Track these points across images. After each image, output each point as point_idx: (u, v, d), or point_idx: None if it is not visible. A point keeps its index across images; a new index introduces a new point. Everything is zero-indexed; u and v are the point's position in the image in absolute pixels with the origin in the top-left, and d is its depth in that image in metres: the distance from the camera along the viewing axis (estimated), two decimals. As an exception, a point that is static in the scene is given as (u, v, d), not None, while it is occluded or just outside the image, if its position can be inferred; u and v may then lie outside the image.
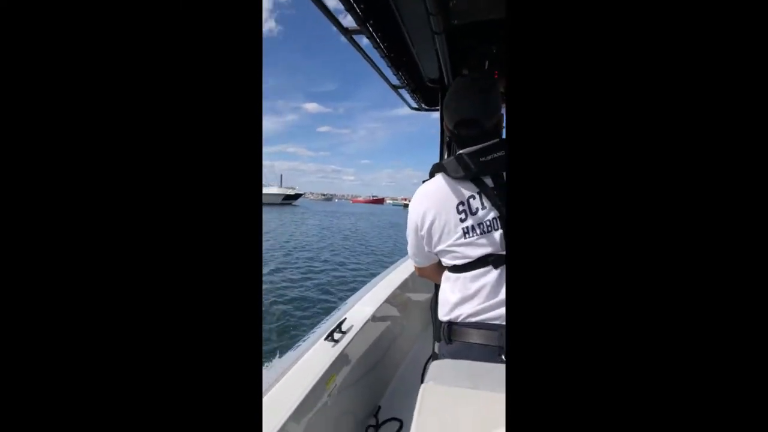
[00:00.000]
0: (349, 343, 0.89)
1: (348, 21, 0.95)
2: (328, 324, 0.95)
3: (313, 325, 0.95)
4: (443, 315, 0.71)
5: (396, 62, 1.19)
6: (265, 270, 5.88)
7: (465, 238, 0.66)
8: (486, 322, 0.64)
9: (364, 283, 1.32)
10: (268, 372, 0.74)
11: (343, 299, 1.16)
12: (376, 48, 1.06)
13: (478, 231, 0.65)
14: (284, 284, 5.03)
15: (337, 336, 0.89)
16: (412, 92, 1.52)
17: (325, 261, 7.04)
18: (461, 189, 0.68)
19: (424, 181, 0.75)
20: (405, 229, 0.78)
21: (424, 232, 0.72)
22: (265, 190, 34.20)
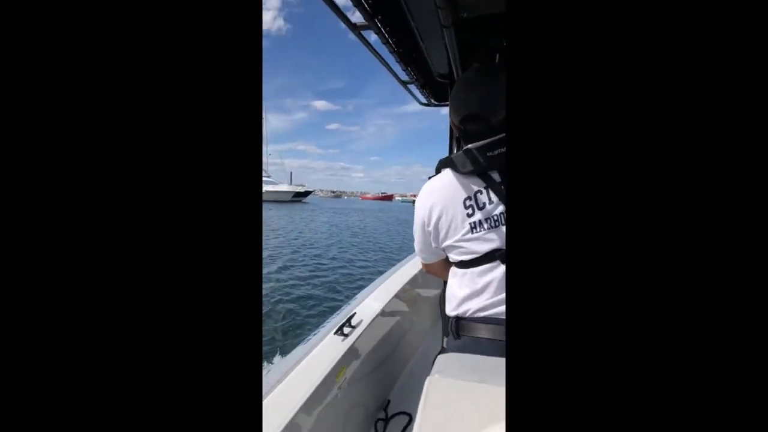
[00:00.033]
0: (358, 338, 0.89)
1: (356, 17, 0.94)
2: (338, 318, 0.95)
3: (318, 324, 0.94)
4: (451, 310, 0.71)
5: (405, 57, 1.17)
6: (273, 267, 5.87)
7: (472, 233, 0.65)
8: (494, 317, 0.64)
9: (371, 281, 1.31)
10: (277, 365, 0.74)
11: (350, 297, 1.16)
12: (384, 43, 1.05)
13: (485, 226, 0.64)
14: (292, 282, 5.01)
15: (346, 330, 0.89)
16: (422, 87, 1.50)
17: (333, 258, 7.02)
18: (468, 184, 0.67)
19: (430, 177, 0.74)
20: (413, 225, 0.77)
21: (431, 227, 0.71)
22: (275, 188, 34.58)
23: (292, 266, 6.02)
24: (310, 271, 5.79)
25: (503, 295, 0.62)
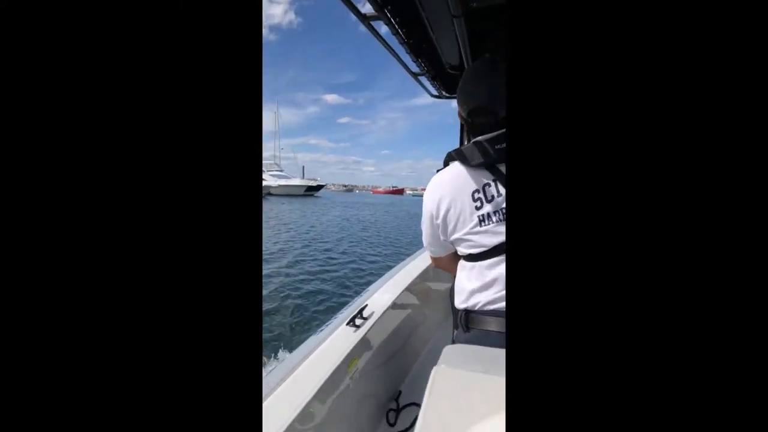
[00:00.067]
0: (369, 329, 0.90)
1: (366, 8, 0.93)
2: (350, 310, 0.96)
3: (326, 321, 0.94)
4: (460, 303, 0.70)
5: (415, 49, 1.16)
6: (283, 262, 5.85)
7: (481, 226, 0.65)
8: (503, 309, 0.63)
9: (380, 275, 1.31)
10: (289, 356, 0.76)
11: (358, 293, 1.16)
12: (394, 34, 1.04)
13: (494, 219, 0.64)
14: (302, 276, 4.97)
15: (358, 322, 0.90)
16: (432, 79, 1.47)
17: (343, 253, 6.99)
18: (477, 177, 0.66)
19: (438, 170, 0.74)
20: None
21: (439, 220, 0.70)
22: (288, 182, 34.96)
23: (302, 261, 6.01)
24: (320, 265, 5.77)
25: None
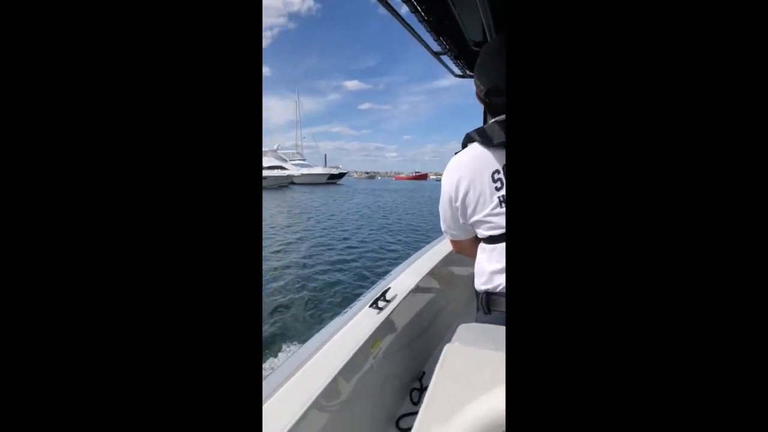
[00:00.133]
0: (392, 311, 0.91)
1: None
2: (373, 293, 0.98)
3: (339, 314, 0.92)
4: (480, 285, 0.70)
5: (436, 27, 1.12)
6: (301, 252, 5.81)
7: (501, 207, 0.64)
8: None
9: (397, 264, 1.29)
10: (315, 337, 0.77)
11: (375, 283, 1.13)
12: (414, 12, 1.01)
13: None
14: (319, 267, 4.88)
15: (381, 304, 0.92)
16: (455, 58, 1.42)
17: (362, 242, 6.84)
18: (496, 157, 0.64)
19: (456, 153, 0.73)
20: None
21: (458, 203, 0.70)
22: (310, 171, 35.53)
23: (320, 252, 5.92)
24: (340, 255, 5.66)
25: None
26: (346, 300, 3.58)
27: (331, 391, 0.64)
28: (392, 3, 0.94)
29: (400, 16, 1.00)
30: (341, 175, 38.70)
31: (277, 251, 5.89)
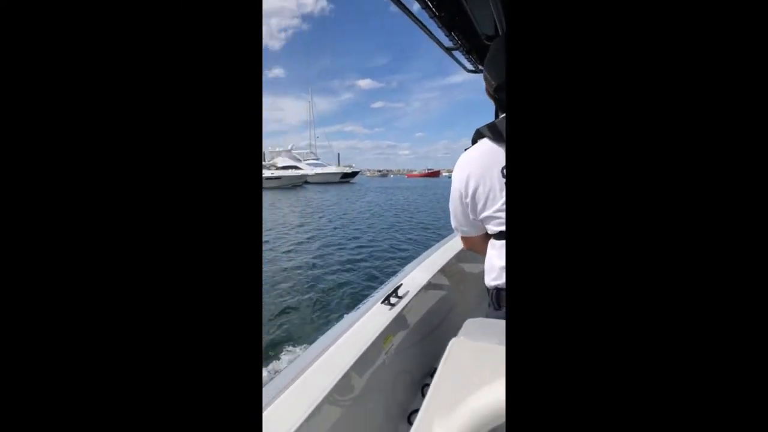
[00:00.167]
0: (405, 308, 0.91)
1: None
2: (385, 289, 0.97)
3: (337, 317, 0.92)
4: (491, 280, 0.69)
5: (448, 22, 1.13)
6: (312, 253, 5.81)
7: None
8: None
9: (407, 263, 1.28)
10: (327, 333, 0.78)
11: (384, 283, 1.10)
12: (424, 8, 1.01)
13: None
14: (328, 268, 4.86)
15: (393, 300, 0.92)
16: (467, 53, 1.41)
17: (373, 241, 6.79)
18: (505, 153, 0.63)
19: (465, 149, 0.72)
20: None
21: (468, 199, 0.69)
22: (323, 170, 35.77)
23: (330, 252, 5.90)
24: (351, 254, 5.63)
25: None
26: (354, 301, 3.54)
27: (344, 385, 0.65)
28: (403, 0, 0.93)
29: (411, 12, 1.00)
30: (354, 174, 38.81)
31: (288, 251, 5.92)
